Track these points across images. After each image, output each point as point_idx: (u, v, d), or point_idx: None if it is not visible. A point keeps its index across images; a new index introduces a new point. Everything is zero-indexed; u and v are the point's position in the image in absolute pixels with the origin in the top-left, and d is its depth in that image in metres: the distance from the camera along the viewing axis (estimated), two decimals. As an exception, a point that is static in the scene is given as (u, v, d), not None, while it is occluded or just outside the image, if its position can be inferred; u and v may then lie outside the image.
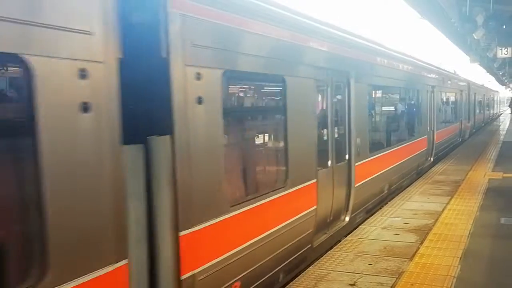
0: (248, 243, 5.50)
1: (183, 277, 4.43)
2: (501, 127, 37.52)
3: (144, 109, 4.13)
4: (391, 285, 5.84)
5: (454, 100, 23.15)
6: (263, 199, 5.86)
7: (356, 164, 8.91)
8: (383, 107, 12.39)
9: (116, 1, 3.69)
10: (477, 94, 34.27)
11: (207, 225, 4.76)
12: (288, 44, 6.56)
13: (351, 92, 8.85)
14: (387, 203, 10.83)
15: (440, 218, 8.91)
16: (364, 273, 6.23)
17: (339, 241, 8.08)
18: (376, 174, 10.28)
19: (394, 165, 11.79)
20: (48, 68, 3.15)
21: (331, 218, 8.07)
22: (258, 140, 6.77)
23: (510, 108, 59.49)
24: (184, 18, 4.43)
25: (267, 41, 6.05)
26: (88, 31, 3.45)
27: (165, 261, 4.32)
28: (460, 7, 16.14)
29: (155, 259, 4.26)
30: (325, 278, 6.07)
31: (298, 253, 6.82)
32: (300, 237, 6.78)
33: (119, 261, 3.70)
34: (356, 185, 8.86)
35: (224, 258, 5.03)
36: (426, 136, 15.98)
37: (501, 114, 67.76)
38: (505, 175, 13.47)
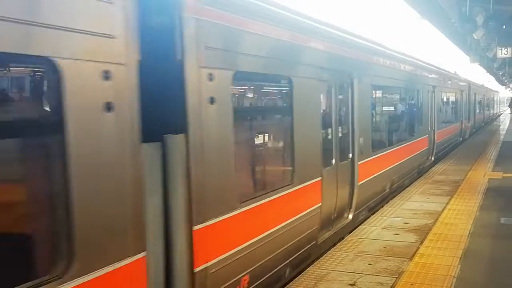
0: (257, 238, 5.65)
1: (196, 270, 4.59)
2: (501, 127, 37.53)
3: (161, 109, 4.28)
4: (391, 285, 5.85)
5: (454, 100, 23.23)
6: (271, 196, 6.02)
7: (359, 162, 9.05)
8: (385, 107, 12.53)
9: (136, 6, 3.86)
10: (477, 94, 34.29)
11: (219, 220, 4.93)
12: (294, 45, 6.74)
13: (354, 92, 9.00)
14: (388, 201, 10.90)
15: (440, 218, 8.91)
16: (364, 273, 6.24)
17: (342, 238, 8.17)
18: (379, 173, 10.41)
19: (396, 164, 11.92)
20: (75, 70, 3.33)
21: (335, 216, 8.22)
22: (266, 139, 6.97)
23: (510, 108, 59.55)
24: (197, 22, 4.61)
25: (275, 43, 6.23)
26: (111, 35, 3.64)
27: (179, 254, 4.48)
28: (460, 7, 16.15)
29: (170, 252, 4.43)
30: (325, 278, 6.07)
31: (304, 249, 6.97)
32: (305, 234, 6.94)
33: (138, 253, 3.88)
34: (359, 184, 8.99)
35: (234, 252, 5.19)
36: (427, 135, 16.09)
37: (501, 114, 67.75)
38: (505, 175, 13.48)
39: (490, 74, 48.80)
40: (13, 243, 3.24)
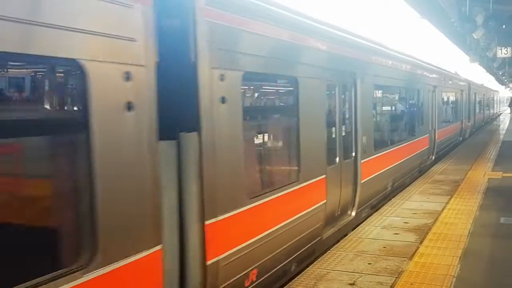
0: (265, 233, 5.82)
1: (208, 262, 4.79)
2: (500, 127, 37.51)
3: (176, 108, 4.46)
4: (390, 284, 5.85)
5: (454, 99, 23.31)
6: (278, 192, 6.20)
7: (362, 161, 9.22)
8: (387, 107, 12.71)
9: (154, 10, 4.07)
10: (477, 94, 34.31)
11: (229, 215, 5.11)
12: (300, 46, 6.96)
13: (358, 92, 9.18)
14: (390, 199, 10.97)
15: (439, 217, 8.91)
16: (363, 272, 6.24)
17: (346, 234, 8.28)
18: (381, 171, 10.57)
19: (398, 162, 12.07)
20: (99, 71, 3.54)
21: (338, 213, 8.42)
22: (274, 137, 7.24)
23: (510, 108, 59.53)
24: (210, 25, 4.81)
25: (282, 44, 6.42)
26: (132, 38, 3.84)
27: (193, 248, 4.68)
28: (460, 7, 16.14)
29: (184, 246, 4.63)
30: (325, 278, 6.07)
31: (309, 245, 7.15)
32: (311, 229, 7.12)
33: (155, 246, 4.08)
34: (362, 182, 9.15)
35: (244, 247, 5.37)
36: (428, 135, 16.22)
37: (501, 113, 67.74)
38: (504, 174, 13.47)
39: (490, 73, 48.80)
40: (43, 235, 3.45)
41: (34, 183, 3.56)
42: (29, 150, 3.54)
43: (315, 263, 6.71)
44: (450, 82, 21.43)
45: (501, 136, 27.32)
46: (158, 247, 4.12)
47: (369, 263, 6.55)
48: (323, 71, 7.64)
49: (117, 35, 3.69)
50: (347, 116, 9.04)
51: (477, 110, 34.64)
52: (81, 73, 3.42)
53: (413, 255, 6.87)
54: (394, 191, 11.85)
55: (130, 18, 3.85)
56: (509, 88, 77.57)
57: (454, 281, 5.93)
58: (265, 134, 6.91)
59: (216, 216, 4.87)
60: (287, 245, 6.37)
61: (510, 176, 13.20)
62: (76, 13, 3.38)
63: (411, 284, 5.84)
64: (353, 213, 8.99)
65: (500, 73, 45.74)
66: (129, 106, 3.80)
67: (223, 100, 4.99)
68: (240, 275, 5.35)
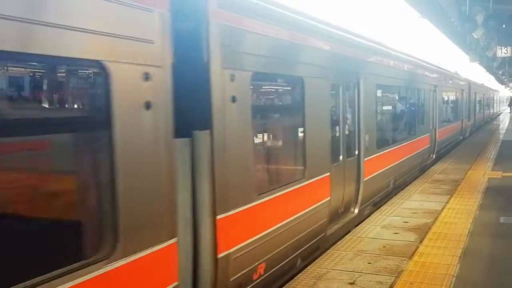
0: (272, 228, 6.00)
1: (220, 256, 4.97)
2: (500, 126, 37.50)
3: (189, 106, 4.63)
4: (390, 284, 5.85)
5: (455, 99, 23.42)
6: (285, 189, 6.39)
7: (364, 159, 9.38)
8: (389, 106, 12.89)
9: (171, 13, 4.25)
10: (477, 94, 34.33)
11: (239, 210, 5.29)
12: (305, 47, 7.15)
13: (360, 92, 9.38)
14: (392, 197, 11.04)
15: (439, 217, 8.91)
16: (363, 272, 6.24)
17: (349, 231, 8.37)
18: (383, 170, 10.74)
19: (399, 161, 12.25)
20: (121, 72, 3.73)
21: (342, 210, 8.58)
22: (281, 135, 7.48)
23: (509, 108, 59.50)
24: (221, 27, 5.00)
25: (289, 45, 6.61)
26: (151, 40, 4.04)
27: (205, 241, 4.86)
28: (459, 6, 16.12)
29: (197, 239, 4.82)
30: (325, 277, 6.07)
31: (314, 241, 7.32)
32: (315, 226, 7.31)
33: (171, 239, 4.29)
34: (364, 179, 9.32)
35: (252, 241, 5.55)
36: (429, 134, 16.38)
37: (501, 113, 67.72)
38: (504, 174, 13.47)
39: (489, 73, 48.79)
40: (69, 228, 3.66)
41: (63, 178, 3.76)
42: (58, 147, 3.73)
43: (315, 262, 6.72)
44: (450, 81, 21.48)
45: (501, 136, 27.31)
46: (174, 240, 4.32)
47: (369, 263, 6.55)
48: (328, 71, 7.80)
49: (137, 38, 3.89)
50: (350, 115, 9.22)
51: (477, 110, 34.66)
52: (104, 74, 3.61)
53: (412, 254, 6.87)
54: (396, 189, 11.99)
55: (150, 21, 4.05)
56: (509, 88, 77.56)
57: (454, 281, 5.93)
58: (272, 132, 7.15)
59: (227, 211, 5.04)
60: (293, 240, 6.54)
61: (510, 175, 13.20)
62: (102, 17, 3.59)
63: (411, 283, 5.84)
64: (356, 210, 9.17)
65: (500, 73, 45.72)
66: (148, 105, 3.98)
67: (233, 99, 5.16)
68: (248, 269, 5.52)
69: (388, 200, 10.69)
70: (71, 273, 3.33)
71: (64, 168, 3.80)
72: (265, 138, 6.87)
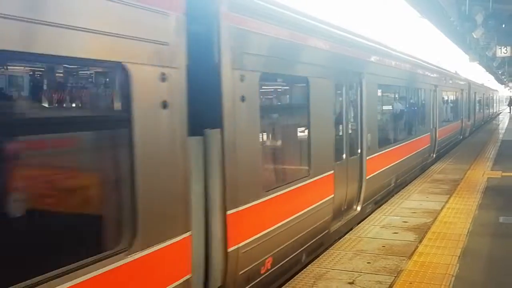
0: (279, 224, 6.17)
1: (229, 250, 5.14)
2: (500, 126, 37.51)
3: (201, 106, 4.78)
4: (389, 283, 5.85)
5: (455, 99, 23.51)
6: (291, 186, 6.56)
7: (367, 158, 9.54)
8: (391, 106, 13.09)
9: (186, 17, 4.42)
10: (477, 93, 34.38)
11: (248, 206, 5.45)
12: (311, 48, 7.34)
13: (363, 91, 9.55)
14: (393, 195, 11.11)
15: (439, 216, 8.91)
16: (362, 271, 6.24)
17: (351, 228, 8.48)
18: (385, 168, 10.90)
19: (400, 160, 12.40)
20: (140, 73, 3.90)
21: (345, 207, 8.73)
22: (287, 133, 7.61)
23: (509, 107, 59.51)
24: (232, 29, 5.18)
25: (294, 46, 6.78)
26: (167, 42, 4.21)
27: (216, 235, 5.04)
28: (459, 6, 16.12)
29: (208, 233, 5.00)
30: (324, 277, 6.08)
31: (318, 237, 7.49)
32: (320, 222, 7.47)
33: (185, 233, 4.47)
34: (367, 178, 9.48)
35: (260, 236, 5.72)
36: (429, 133, 16.53)
37: (500, 113, 67.74)
38: (504, 174, 13.48)
39: (489, 73, 48.79)
40: (93, 221, 3.85)
41: (87, 174, 3.94)
42: (83, 144, 3.96)
43: (314, 262, 6.72)
44: (450, 81, 21.55)
45: (501, 136, 27.31)
46: (188, 234, 4.49)
47: (368, 262, 6.55)
48: (332, 72, 7.96)
49: (155, 40, 4.07)
50: (353, 114, 9.38)
51: (477, 109, 34.71)
52: (125, 75, 3.78)
53: (412, 254, 6.87)
54: (398, 187, 12.11)
55: (166, 24, 4.24)
56: (508, 88, 77.56)
57: (453, 280, 5.93)
58: (279, 131, 7.32)
59: (236, 207, 5.22)
60: (298, 236, 6.71)
61: (509, 175, 13.21)
62: (123, 22, 3.77)
63: (410, 283, 5.85)
64: (359, 208, 9.32)
65: (500, 73, 45.72)
66: (164, 105, 4.16)
67: (242, 99, 5.34)
68: (257, 263, 5.69)
69: (389, 199, 10.77)
70: (96, 263, 3.52)
71: (89, 165, 3.97)
72: (272, 136, 7.07)
